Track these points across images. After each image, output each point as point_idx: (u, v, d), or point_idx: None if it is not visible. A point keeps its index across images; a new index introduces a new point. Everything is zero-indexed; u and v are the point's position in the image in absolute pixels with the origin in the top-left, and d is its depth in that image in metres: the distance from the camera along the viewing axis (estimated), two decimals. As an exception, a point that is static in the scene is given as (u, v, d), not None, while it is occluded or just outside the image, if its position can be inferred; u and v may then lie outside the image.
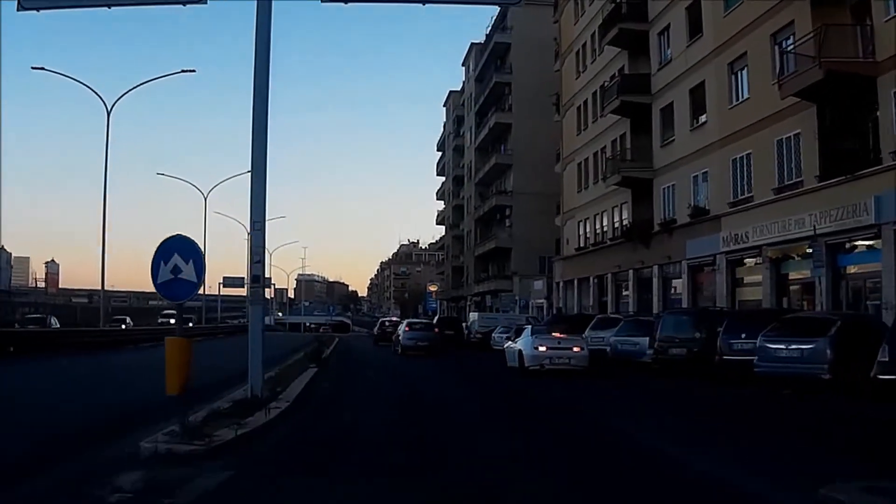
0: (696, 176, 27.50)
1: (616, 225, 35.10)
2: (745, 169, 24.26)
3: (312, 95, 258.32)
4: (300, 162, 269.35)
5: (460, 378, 19.77)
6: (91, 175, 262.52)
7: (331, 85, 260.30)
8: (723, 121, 25.51)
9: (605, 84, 35.05)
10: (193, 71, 48.28)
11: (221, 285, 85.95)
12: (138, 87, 46.26)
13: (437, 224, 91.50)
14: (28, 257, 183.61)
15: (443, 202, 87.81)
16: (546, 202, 48.79)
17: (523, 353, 19.09)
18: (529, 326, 21.38)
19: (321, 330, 69.70)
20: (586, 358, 18.64)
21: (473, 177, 65.46)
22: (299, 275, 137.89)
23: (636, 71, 32.77)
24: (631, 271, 32.87)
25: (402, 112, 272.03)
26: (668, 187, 29.75)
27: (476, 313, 38.89)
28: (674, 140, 29.40)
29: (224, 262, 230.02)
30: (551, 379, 17.38)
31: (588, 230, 38.71)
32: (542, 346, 18.79)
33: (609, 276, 35.51)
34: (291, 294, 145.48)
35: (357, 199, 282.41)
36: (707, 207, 26.58)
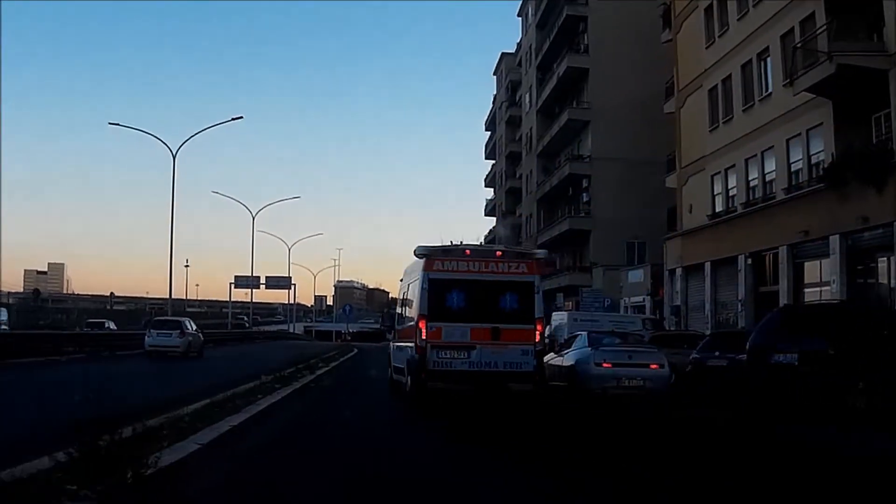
0: None
1: (799, 166, 21.59)
2: None
3: (357, 96, 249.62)
4: (340, 170, 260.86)
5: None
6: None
7: (371, 82, 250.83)
8: None
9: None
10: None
11: (233, 286, 75.05)
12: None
13: (486, 215, 78.35)
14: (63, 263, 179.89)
15: (492, 189, 74.91)
16: (636, 170, 36.81)
17: (577, 370, 14.17)
18: (584, 334, 16.23)
19: (341, 340, 57.27)
20: (666, 379, 13.90)
21: (535, 147, 52.36)
22: (338, 281, 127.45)
23: None
24: (835, 238, 19.35)
25: (443, 111, 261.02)
26: (936, 75, 16.35)
27: (564, 314, 25.75)
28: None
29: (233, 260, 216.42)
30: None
31: (734, 184, 25.22)
32: (605, 361, 13.86)
33: (782, 250, 21.99)
34: (330, 301, 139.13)
35: (398, 203, 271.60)
36: None
